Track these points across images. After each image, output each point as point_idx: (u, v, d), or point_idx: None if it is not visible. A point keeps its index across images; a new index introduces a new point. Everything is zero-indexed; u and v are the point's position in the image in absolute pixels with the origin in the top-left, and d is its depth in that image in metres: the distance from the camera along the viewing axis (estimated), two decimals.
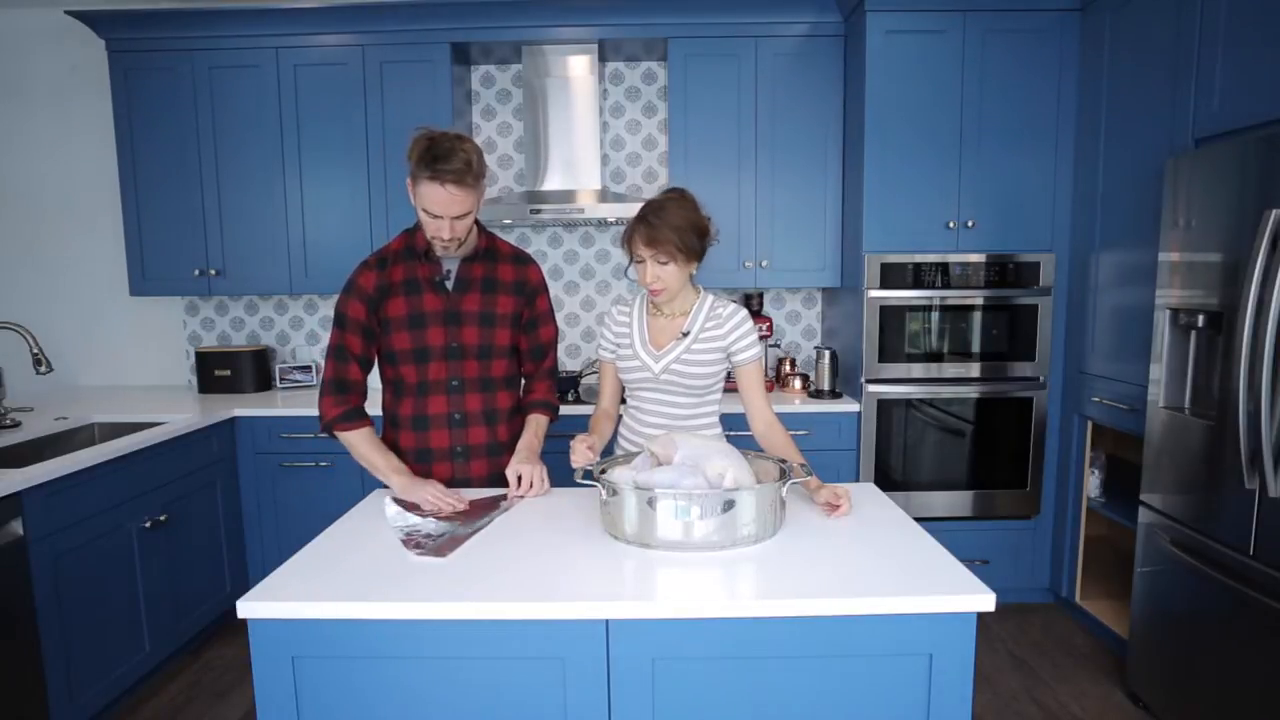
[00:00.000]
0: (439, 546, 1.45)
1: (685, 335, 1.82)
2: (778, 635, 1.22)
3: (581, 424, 2.88)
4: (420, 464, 1.85)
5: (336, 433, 1.81)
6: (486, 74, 3.44)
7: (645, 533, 1.41)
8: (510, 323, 1.87)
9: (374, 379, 1.90)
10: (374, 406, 1.88)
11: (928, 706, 1.24)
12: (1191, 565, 2.11)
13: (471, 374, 1.84)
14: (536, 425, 1.92)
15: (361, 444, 1.80)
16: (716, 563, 1.36)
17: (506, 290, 1.86)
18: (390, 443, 1.88)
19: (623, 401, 1.98)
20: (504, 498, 1.75)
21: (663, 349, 1.83)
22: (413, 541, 1.48)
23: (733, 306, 1.85)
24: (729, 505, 1.39)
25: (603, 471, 1.54)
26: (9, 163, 3.47)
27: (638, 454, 1.60)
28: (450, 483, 1.85)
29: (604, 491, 1.47)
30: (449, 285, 1.83)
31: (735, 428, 3.01)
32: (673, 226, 1.71)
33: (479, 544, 1.46)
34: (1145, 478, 2.34)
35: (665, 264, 1.74)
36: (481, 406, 1.87)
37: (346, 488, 2.99)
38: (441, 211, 1.67)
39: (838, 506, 1.59)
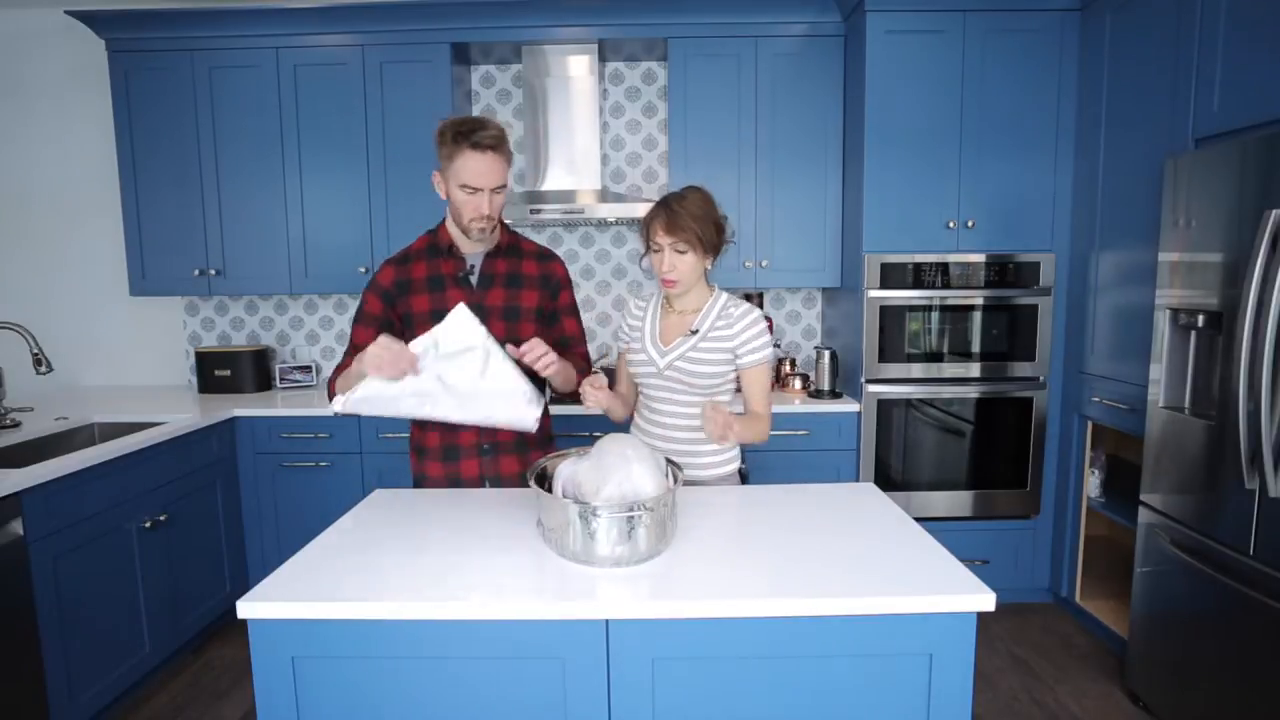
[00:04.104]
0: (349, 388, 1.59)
1: (694, 333, 1.81)
2: (778, 635, 1.22)
3: (583, 423, 2.92)
4: (448, 461, 1.87)
5: (335, 391, 1.75)
6: (486, 74, 3.44)
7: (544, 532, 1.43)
8: (535, 317, 1.86)
9: None
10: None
11: (928, 706, 1.24)
12: (1191, 565, 2.11)
13: None
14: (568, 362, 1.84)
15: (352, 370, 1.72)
16: (717, 563, 1.36)
17: (531, 285, 1.86)
18: (418, 442, 1.90)
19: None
20: None
21: (670, 345, 1.82)
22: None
23: (746, 307, 1.83)
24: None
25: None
26: (9, 162, 3.47)
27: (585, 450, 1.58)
28: (479, 481, 1.86)
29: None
30: (473, 281, 1.84)
31: None
32: (693, 215, 1.72)
33: (479, 544, 1.46)
34: (1145, 478, 2.34)
35: (683, 253, 1.74)
36: None
37: (346, 488, 2.99)
38: (482, 183, 1.68)
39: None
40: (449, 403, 1.61)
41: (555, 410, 2.98)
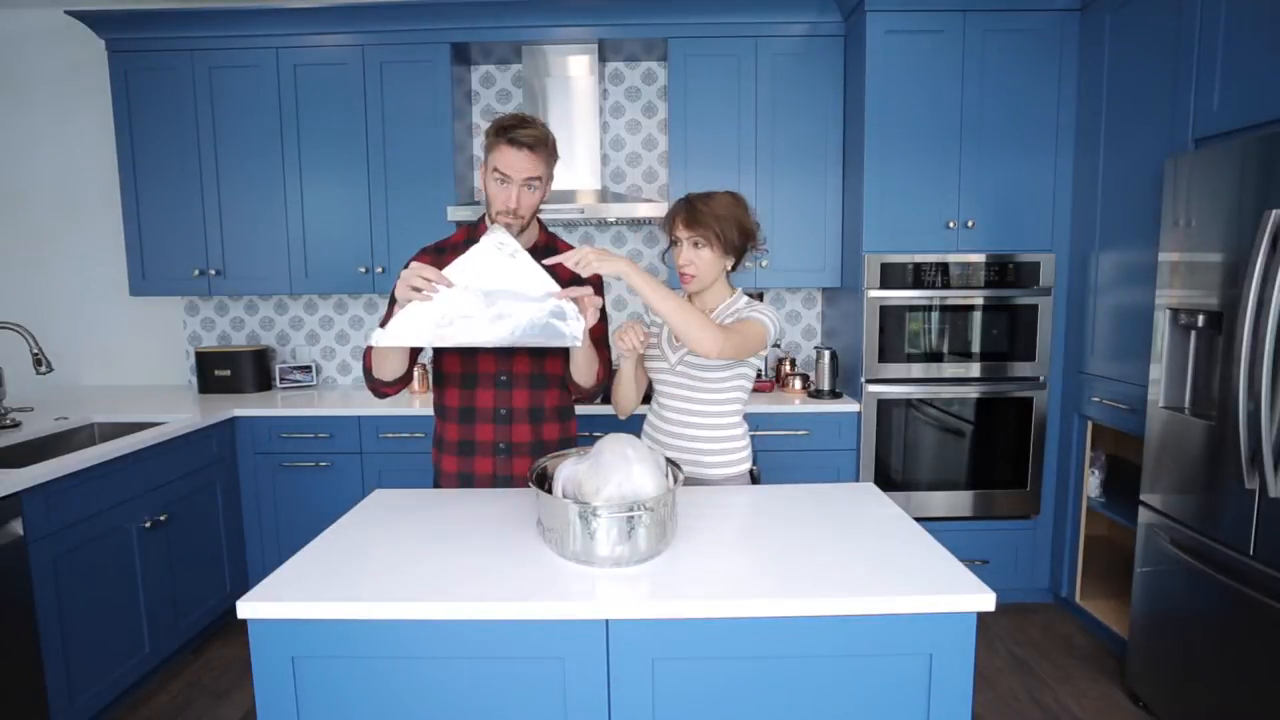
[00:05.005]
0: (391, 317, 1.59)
1: None
2: (777, 635, 1.22)
3: (584, 424, 2.89)
4: (464, 456, 1.87)
5: (371, 356, 1.75)
6: (486, 74, 3.44)
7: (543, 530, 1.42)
8: None
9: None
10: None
11: (928, 706, 1.24)
12: (1191, 565, 2.11)
13: (521, 369, 1.85)
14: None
15: None
16: (717, 563, 1.36)
17: (564, 286, 1.86)
18: (438, 434, 1.91)
19: (646, 400, 1.97)
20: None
21: (682, 342, 1.81)
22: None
23: (761, 307, 1.82)
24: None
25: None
26: (9, 163, 3.47)
27: (585, 450, 1.57)
28: (491, 479, 1.87)
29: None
30: None
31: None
32: (715, 214, 1.75)
33: (479, 545, 1.46)
34: (1145, 478, 2.34)
35: (700, 249, 1.77)
36: (529, 403, 1.86)
37: (346, 488, 2.99)
38: (511, 172, 1.70)
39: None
40: (483, 321, 1.59)
41: None
